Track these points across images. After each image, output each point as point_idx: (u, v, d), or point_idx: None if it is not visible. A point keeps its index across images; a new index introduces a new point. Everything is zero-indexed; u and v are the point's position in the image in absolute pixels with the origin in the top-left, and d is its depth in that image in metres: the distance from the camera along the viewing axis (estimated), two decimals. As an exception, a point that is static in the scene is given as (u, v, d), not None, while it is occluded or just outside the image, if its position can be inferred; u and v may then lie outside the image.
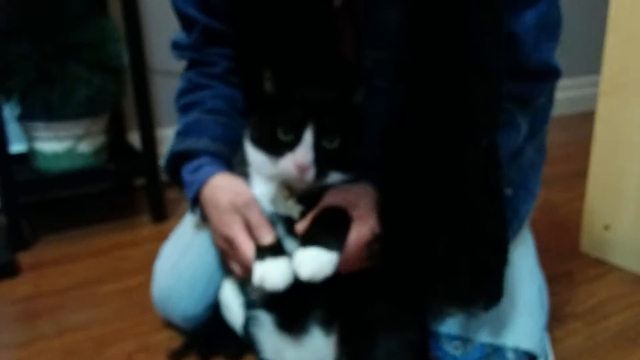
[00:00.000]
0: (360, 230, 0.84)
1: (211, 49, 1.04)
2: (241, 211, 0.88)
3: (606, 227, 1.43)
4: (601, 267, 1.42)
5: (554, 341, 1.08)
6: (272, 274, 0.82)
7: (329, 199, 0.85)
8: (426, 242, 0.82)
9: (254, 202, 0.87)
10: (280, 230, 0.87)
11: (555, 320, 1.15)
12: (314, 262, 0.79)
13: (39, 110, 1.54)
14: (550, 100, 1.01)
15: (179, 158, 1.00)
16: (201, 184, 0.94)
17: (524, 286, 1.02)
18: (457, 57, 0.76)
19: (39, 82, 1.52)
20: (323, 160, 0.81)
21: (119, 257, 1.52)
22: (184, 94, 1.07)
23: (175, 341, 1.12)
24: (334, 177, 0.84)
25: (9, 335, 1.22)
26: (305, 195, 0.86)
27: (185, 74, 1.08)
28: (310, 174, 0.81)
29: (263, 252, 0.85)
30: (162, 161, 1.07)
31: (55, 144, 1.58)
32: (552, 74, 0.92)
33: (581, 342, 1.14)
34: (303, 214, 0.85)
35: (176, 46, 1.08)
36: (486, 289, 0.87)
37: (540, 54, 0.87)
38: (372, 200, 0.85)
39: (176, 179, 1.03)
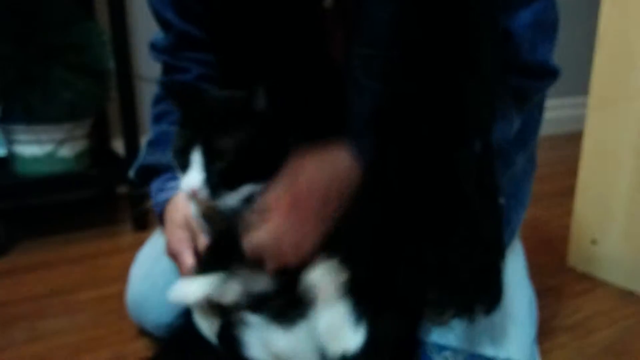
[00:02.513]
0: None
1: (186, 53, 1.03)
2: (191, 228, 0.87)
3: (593, 242, 1.42)
4: (588, 281, 1.41)
5: (542, 354, 1.06)
6: (184, 289, 0.82)
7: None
8: (415, 247, 0.79)
9: None
10: None
11: (543, 333, 1.13)
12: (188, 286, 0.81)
13: (19, 112, 1.51)
14: (541, 110, 1.00)
15: (146, 171, 1.01)
16: (165, 203, 0.95)
17: (515, 297, 1.00)
18: (450, 55, 0.74)
19: (20, 84, 1.49)
20: (214, 180, 0.78)
21: (97, 265, 1.49)
22: (157, 103, 1.06)
23: (151, 350, 1.09)
24: (248, 188, 0.81)
25: (-20, 341, 1.17)
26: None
27: (159, 81, 1.06)
28: (204, 195, 0.78)
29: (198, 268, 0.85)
30: (131, 171, 1.06)
31: (35, 147, 1.55)
32: (550, 74, 0.90)
33: (569, 356, 1.12)
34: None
35: (153, 47, 1.07)
36: (486, 293, 0.85)
37: (536, 54, 0.86)
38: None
39: (144, 188, 1.03)
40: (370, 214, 0.80)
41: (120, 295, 1.27)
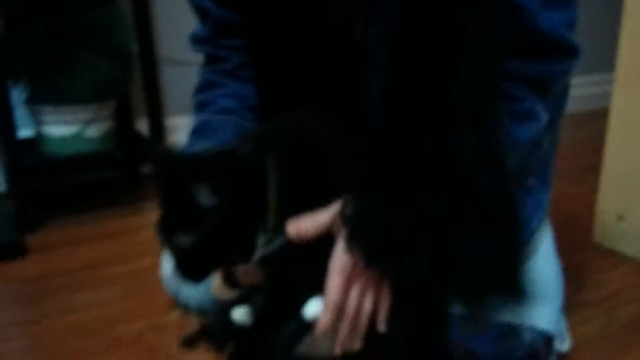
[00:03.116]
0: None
1: (225, 41, 1.03)
2: None
3: (619, 218, 1.42)
4: (614, 257, 1.42)
5: (570, 327, 1.07)
6: None
7: None
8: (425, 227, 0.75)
9: None
10: None
11: (569, 308, 1.14)
12: None
13: (47, 93, 1.54)
14: (566, 87, 0.98)
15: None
16: None
17: (542, 268, 1.00)
18: (446, 33, 0.73)
19: (46, 66, 1.51)
20: (184, 264, 0.73)
21: (126, 241, 1.51)
22: (199, 92, 1.05)
23: (184, 321, 1.11)
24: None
25: (19, 313, 1.21)
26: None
27: (201, 71, 1.07)
28: (184, 281, 0.75)
29: None
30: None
31: (63, 128, 1.58)
32: (568, 51, 0.84)
33: (596, 329, 1.13)
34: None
35: (194, 39, 1.06)
36: (501, 279, 0.81)
37: (549, 22, 0.81)
38: None
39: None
40: (374, 200, 0.76)
41: (150, 269, 1.30)
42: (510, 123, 0.82)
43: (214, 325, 1.05)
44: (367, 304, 0.77)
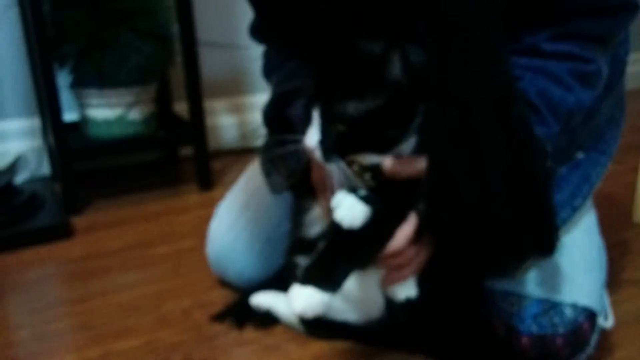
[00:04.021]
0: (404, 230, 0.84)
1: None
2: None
3: (661, 197, 1.41)
4: (655, 237, 1.40)
5: (613, 305, 1.07)
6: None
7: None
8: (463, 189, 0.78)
9: None
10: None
11: (612, 286, 1.13)
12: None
13: (91, 77, 1.57)
14: (626, 50, 0.98)
15: (285, 98, 0.98)
16: None
17: (583, 243, 1.00)
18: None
19: (92, 49, 1.54)
20: (328, 143, 0.79)
21: (168, 222, 1.55)
22: (271, 68, 1.07)
23: (230, 299, 1.14)
24: (369, 157, 0.81)
25: (67, 291, 1.25)
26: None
27: (265, 53, 1.09)
28: (317, 157, 0.80)
29: None
30: (263, 107, 1.04)
31: (107, 111, 1.61)
32: (628, 6, 0.84)
33: (638, 308, 1.12)
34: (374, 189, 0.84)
35: (251, 30, 1.08)
36: (535, 230, 0.82)
37: None
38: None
39: (275, 124, 1.01)
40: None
41: (193, 249, 1.34)
42: (578, 87, 0.83)
43: (235, 307, 1.09)
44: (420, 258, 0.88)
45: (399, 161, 0.80)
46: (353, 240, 0.82)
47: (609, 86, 0.93)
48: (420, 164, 0.80)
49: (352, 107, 0.77)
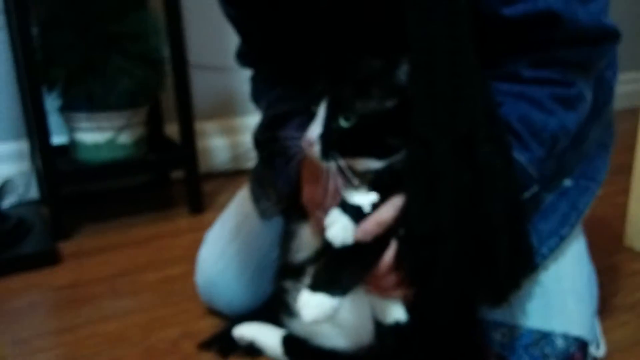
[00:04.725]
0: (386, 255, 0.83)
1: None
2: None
3: (653, 220, 1.41)
4: (647, 260, 1.40)
5: (604, 332, 1.06)
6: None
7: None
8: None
9: None
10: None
11: (604, 312, 1.13)
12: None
13: (81, 100, 1.56)
14: (614, 72, 0.97)
15: (276, 120, 0.97)
16: None
17: (573, 272, 0.99)
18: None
19: (81, 73, 1.53)
20: (329, 138, 0.77)
21: (158, 247, 1.53)
22: (259, 93, 1.06)
23: (220, 328, 1.12)
24: (367, 162, 0.80)
25: (54, 320, 1.23)
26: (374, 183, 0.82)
27: (253, 78, 1.08)
28: (315, 151, 0.77)
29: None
30: (254, 131, 1.03)
31: (97, 134, 1.60)
32: (608, 36, 0.84)
33: (632, 333, 1.11)
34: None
35: (237, 55, 1.07)
36: (486, 278, 0.81)
37: (589, 16, 0.80)
38: None
39: (266, 147, 1.00)
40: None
41: (183, 275, 1.32)
42: (560, 110, 0.82)
43: (221, 336, 1.08)
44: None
45: (364, 225, 0.80)
46: (353, 250, 0.82)
47: (596, 110, 0.93)
48: (387, 213, 0.79)
49: (360, 104, 0.76)
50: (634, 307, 1.20)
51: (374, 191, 0.81)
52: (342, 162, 0.78)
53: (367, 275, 0.84)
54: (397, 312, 0.91)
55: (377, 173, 0.81)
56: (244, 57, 1.05)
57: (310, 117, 0.79)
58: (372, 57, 0.80)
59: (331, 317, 0.81)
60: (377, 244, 0.82)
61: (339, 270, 0.82)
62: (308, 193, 0.90)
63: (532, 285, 0.95)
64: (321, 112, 0.78)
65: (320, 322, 0.81)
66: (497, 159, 0.77)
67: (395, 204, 0.79)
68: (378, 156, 0.79)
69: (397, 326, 0.91)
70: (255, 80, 1.07)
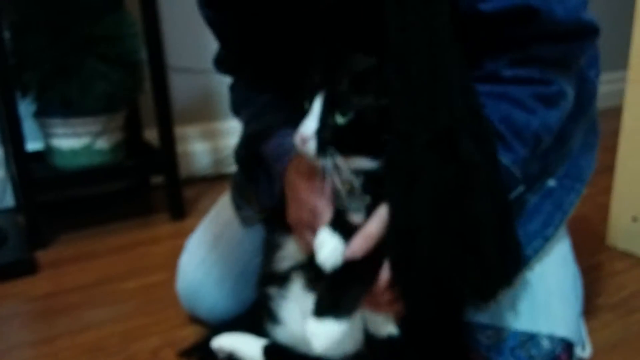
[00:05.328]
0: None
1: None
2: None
3: (634, 219, 1.41)
4: (629, 259, 1.40)
5: (590, 333, 1.06)
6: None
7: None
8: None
9: None
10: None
11: (588, 312, 1.13)
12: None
13: (56, 106, 1.53)
14: (597, 73, 0.97)
15: (257, 137, 0.95)
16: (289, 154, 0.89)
17: (558, 273, 0.99)
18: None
19: (56, 77, 1.50)
20: (326, 134, 0.75)
21: (138, 254, 1.51)
22: (240, 103, 1.04)
23: (201, 336, 1.10)
24: (361, 161, 0.78)
25: (32, 332, 1.20)
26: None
27: (232, 87, 1.06)
28: (309, 148, 0.75)
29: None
30: (235, 147, 1.02)
31: (73, 140, 1.57)
32: (587, 31, 0.83)
33: (616, 333, 1.12)
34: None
35: (216, 62, 1.05)
36: (473, 275, 0.79)
37: (566, 12, 0.79)
38: None
39: (248, 163, 0.98)
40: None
41: (164, 283, 1.30)
42: (542, 108, 0.82)
43: (202, 345, 1.06)
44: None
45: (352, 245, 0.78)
46: (350, 269, 0.80)
47: (580, 108, 0.92)
48: (373, 228, 0.78)
49: (356, 99, 0.75)
50: (617, 306, 1.21)
51: (367, 194, 0.80)
52: (339, 159, 0.76)
53: (368, 293, 0.82)
54: (390, 327, 0.90)
55: (369, 174, 0.79)
56: (223, 63, 1.04)
57: (301, 114, 0.77)
58: (365, 53, 0.78)
59: (342, 343, 0.78)
60: (371, 259, 0.80)
61: (340, 292, 0.80)
62: (294, 213, 0.88)
63: (518, 287, 0.94)
64: (316, 107, 0.75)
65: (335, 349, 0.78)
66: (482, 157, 0.76)
67: (381, 215, 0.78)
68: (373, 154, 0.78)
69: (389, 340, 0.90)
70: (235, 89, 1.05)
